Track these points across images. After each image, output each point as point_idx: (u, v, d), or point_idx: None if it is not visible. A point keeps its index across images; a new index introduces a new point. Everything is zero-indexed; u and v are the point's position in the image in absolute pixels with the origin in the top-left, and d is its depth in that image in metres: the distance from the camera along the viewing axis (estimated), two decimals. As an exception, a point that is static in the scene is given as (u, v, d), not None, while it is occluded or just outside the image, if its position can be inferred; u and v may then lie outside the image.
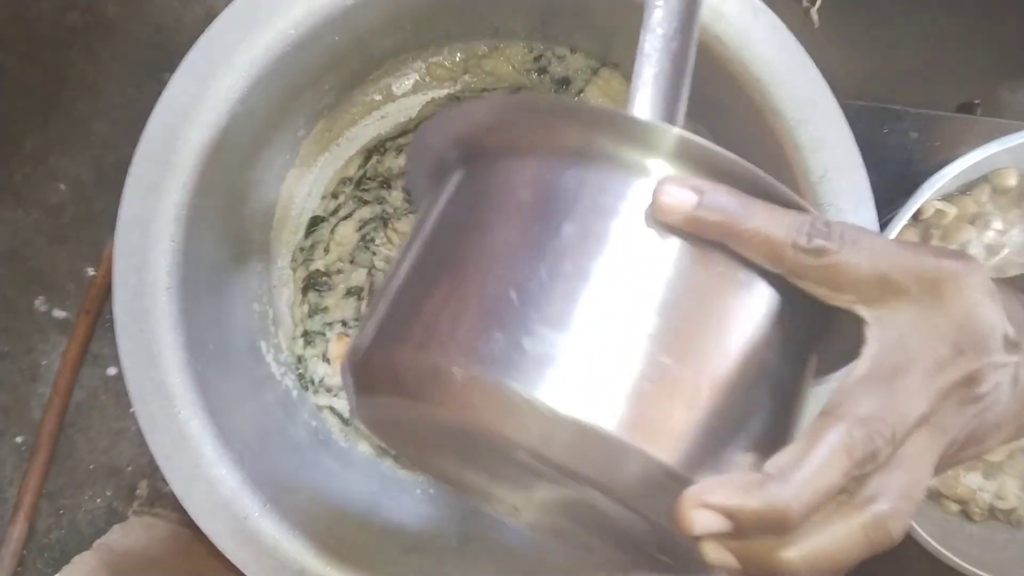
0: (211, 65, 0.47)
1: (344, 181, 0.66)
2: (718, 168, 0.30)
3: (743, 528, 0.28)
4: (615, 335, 0.29)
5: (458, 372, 0.29)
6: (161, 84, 0.47)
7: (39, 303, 0.76)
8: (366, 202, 0.66)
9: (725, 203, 0.30)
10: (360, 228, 0.66)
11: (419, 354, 0.31)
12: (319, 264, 0.65)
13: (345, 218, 0.66)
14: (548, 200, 0.31)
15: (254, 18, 0.47)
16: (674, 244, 0.30)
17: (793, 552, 0.28)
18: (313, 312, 0.65)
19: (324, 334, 0.65)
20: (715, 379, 0.29)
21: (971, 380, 0.30)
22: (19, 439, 0.75)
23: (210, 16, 0.79)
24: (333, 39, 0.51)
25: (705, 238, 0.30)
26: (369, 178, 0.66)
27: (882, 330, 0.30)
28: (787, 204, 0.30)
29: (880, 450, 0.28)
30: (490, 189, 0.33)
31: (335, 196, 0.66)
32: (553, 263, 0.30)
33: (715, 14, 0.49)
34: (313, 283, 0.65)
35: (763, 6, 0.49)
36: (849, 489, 0.29)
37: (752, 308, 0.31)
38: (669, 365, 0.29)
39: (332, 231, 0.66)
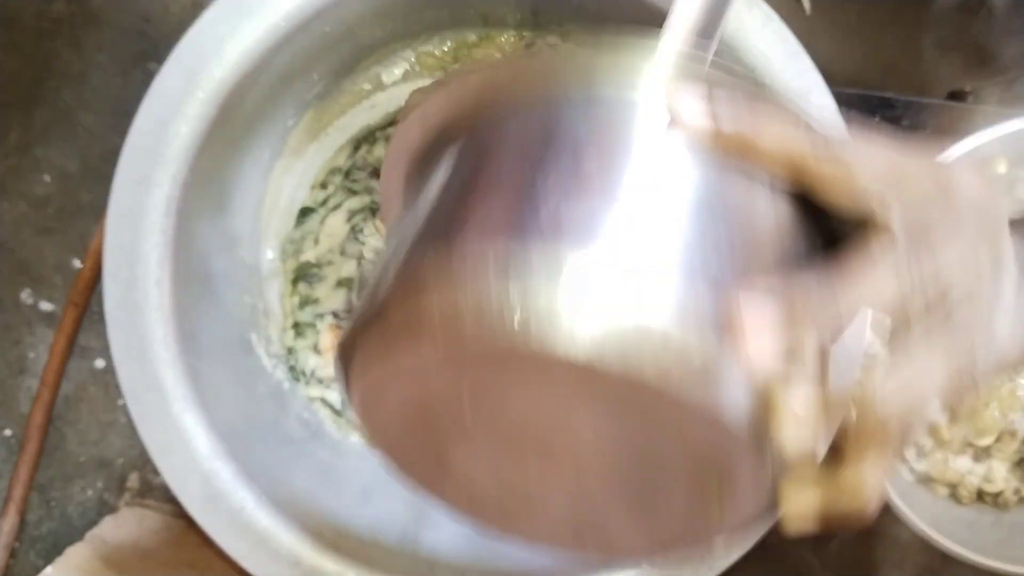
0: (201, 57, 0.47)
1: (333, 171, 0.66)
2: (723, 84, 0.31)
3: None
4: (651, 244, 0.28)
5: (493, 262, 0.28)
6: (147, 74, 0.47)
7: (25, 296, 0.75)
8: (355, 192, 0.66)
9: (742, 118, 0.30)
10: (350, 219, 0.66)
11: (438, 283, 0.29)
12: (309, 255, 0.65)
13: (334, 209, 0.66)
14: (560, 140, 0.31)
15: (245, 9, 0.47)
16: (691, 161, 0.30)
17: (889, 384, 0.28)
18: (303, 303, 0.65)
19: (315, 325, 0.65)
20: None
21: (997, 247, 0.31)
22: (7, 432, 0.74)
23: (197, 6, 0.78)
24: (324, 29, 0.51)
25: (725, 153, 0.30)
26: (358, 168, 0.66)
27: (904, 211, 0.30)
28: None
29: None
30: (495, 148, 0.32)
31: (324, 186, 0.66)
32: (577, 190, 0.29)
33: (708, 4, 0.49)
34: (303, 274, 0.65)
35: (757, -2, 0.49)
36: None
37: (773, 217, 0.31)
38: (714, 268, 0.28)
39: (322, 222, 0.65)
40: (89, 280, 0.75)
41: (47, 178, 0.76)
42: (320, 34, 0.51)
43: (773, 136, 0.30)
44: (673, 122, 0.30)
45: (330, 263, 0.65)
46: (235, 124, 0.52)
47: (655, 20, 0.51)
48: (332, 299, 0.65)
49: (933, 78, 0.80)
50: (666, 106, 0.30)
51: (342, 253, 0.66)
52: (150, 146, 0.47)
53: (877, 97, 0.70)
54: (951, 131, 0.71)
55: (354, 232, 0.66)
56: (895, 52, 0.79)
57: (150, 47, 0.78)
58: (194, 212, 0.50)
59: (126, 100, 0.80)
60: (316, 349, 0.65)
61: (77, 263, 0.75)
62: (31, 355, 0.75)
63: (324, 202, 0.66)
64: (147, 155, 0.47)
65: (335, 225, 0.66)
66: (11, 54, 0.77)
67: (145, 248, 0.47)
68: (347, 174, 0.66)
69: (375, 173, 0.66)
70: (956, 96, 0.73)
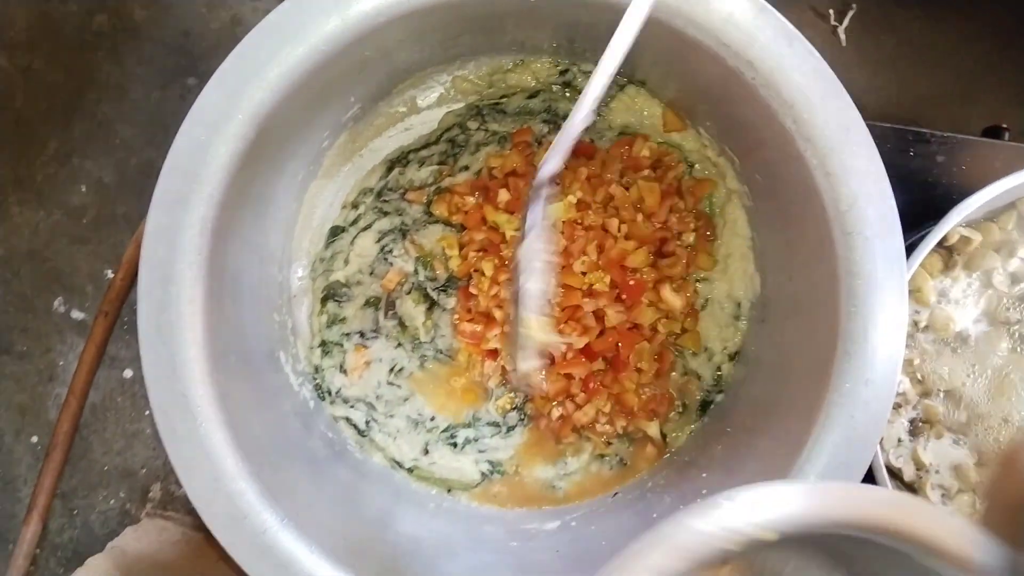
0: (242, 79, 0.47)
1: (365, 192, 0.66)
2: None
3: None
4: None
5: None
6: (185, 88, 0.48)
7: (58, 304, 0.76)
8: (386, 213, 0.66)
9: None
10: (379, 239, 0.66)
11: None
12: (339, 275, 0.65)
13: (365, 229, 0.66)
14: None
15: (287, 33, 0.47)
16: None
17: None
18: (331, 322, 0.65)
19: (342, 344, 0.65)
20: None
21: None
22: (34, 439, 0.75)
23: (236, 22, 0.79)
24: (363, 54, 0.51)
25: None
26: (390, 189, 0.66)
27: None
28: None
29: None
30: None
31: (355, 206, 0.66)
32: None
33: (748, 39, 0.49)
34: (332, 293, 0.65)
35: (797, 33, 0.49)
36: None
37: None
38: None
39: (352, 242, 0.66)
40: (121, 290, 0.75)
41: (83, 188, 0.77)
42: (359, 59, 0.52)
43: None
44: None
45: (359, 283, 0.66)
46: (272, 145, 0.52)
47: (687, 50, 0.51)
48: (360, 319, 0.65)
49: (969, 113, 0.79)
50: None
51: (371, 274, 0.66)
52: (188, 166, 0.47)
53: (912, 131, 0.70)
54: (987, 168, 0.70)
55: (383, 253, 0.66)
56: (930, 86, 0.79)
57: (189, 62, 0.79)
58: (229, 231, 0.50)
59: (164, 114, 0.81)
60: (342, 368, 0.65)
61: (109, 273, 0.76)
62: (61, 363, 0.76)
63: (355, 222, 0.66)
64: (185, 175, 0.47)
65: (364, 245, 0.66)
66: (53, 65, 0.79)
67: (179, 268, 0.47)
68: (379, 195, 0.66)
69: (406, 194, 0.66)
70: (992, 132, 0.72)
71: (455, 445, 0.65)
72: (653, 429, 0.64)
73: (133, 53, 0.78)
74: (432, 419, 0.65)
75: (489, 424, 0.65)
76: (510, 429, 0.65)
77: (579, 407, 0.63)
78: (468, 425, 0.65)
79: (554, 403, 0.64)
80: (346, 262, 0.66)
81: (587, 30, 0.58)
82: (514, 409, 0.66)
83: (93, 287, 0.76)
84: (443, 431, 0.65)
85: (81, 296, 0.76)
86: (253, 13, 0.79)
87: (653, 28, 0.51)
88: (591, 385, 0.63)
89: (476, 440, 0.65)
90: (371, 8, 0.48)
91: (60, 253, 0.77)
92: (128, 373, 0.75)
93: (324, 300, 0.65)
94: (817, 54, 0.49)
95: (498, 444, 0.65)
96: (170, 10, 0.78)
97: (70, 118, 0.78)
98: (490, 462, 0.65)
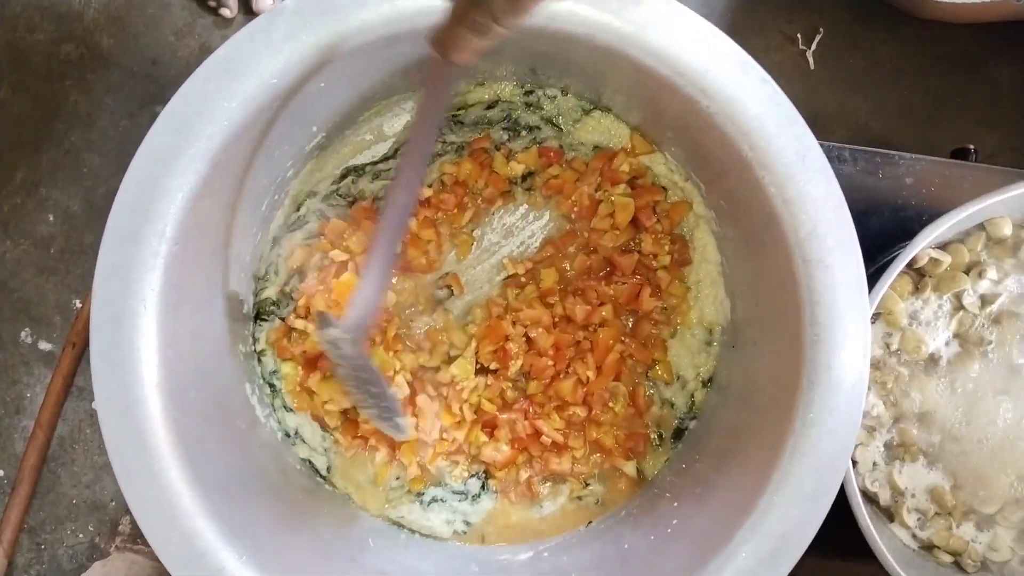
0: (192, 113, 0.47)
1: (311, 194, 0.65)
2: None
3: None
4: None
5: None
6: (154, 116, 0.47)
7: (25, 335, 0.75)
8: (327, 218, 0.64)
9: None
10: (308, 239, 0.64)
11: None
12: (270, 291, 0.64)
13: (296, 230, 0.64)
14: None
15: (235, 68, 0.47)
16: None
17: None
18: (262, 356, 0.64)
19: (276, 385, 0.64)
20: None
21: None
22: (0, 473, 0.74)
23: (205, 50, 0.79)
24: (319, 86, 0.51)
25: None
26: (340, 195, 0.65)
27: None
28: None
29: None
30: None
31: (298, 208, 0.64)
32: None
33: (703, 67, 0.49)
34: (259, 313, 0.64)
35: (752, 63, 0.48)
36: None
37: None
38: None
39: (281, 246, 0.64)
40: (88, 321, 0.74)
41: (51, 218, 0.77)
42: (316, 91, 0.51)
43: None
44: None
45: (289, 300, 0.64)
46: (228, 177, 0.52)
47: (645, 78, 0.51)
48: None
49: (937, 135, 0.79)
50: None
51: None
52: (139, 202, 0.47)
53: (881, 153, 0.70)
54: (956, 190, 0.70)
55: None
56: (899, 108, 0.79)
57: (157, 90, 0.79)
58: (184, 266, 0.50)
59: (132, 142, 0.78)
60: (287, 408, 0.63)
61: (77, 303, 0.75)
62: (28, 395, 0.75)
63: (294, 224, 0.64)
64: (134, 211, 0.47)
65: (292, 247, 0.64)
66: (20, 95, 0.78)
67: (131, 304, 0.47)
68: (326, 197, 0.65)
69: (353, 203, 0.64)
70: (960, 154, 0.72)
71: (422, 503, 0.63)
72: (630, 468, 0.63)
73: (101, 81, 0.78)
74: (397, 478, 0.63)
75: (454, 492, 0.63)
76: (475, 497, 0.63)
77: (545, 466, 0.63)
78: (436, 484, 0.63)
79: (520, 466, 0.63)
80: (276, 273, 0.64)
81: (547, 61, 0.58)
82: (473, 477, 0.64)
83: (61, 317, 0.76)
84: (407, 490, 0.63)
85: (49, 327, 0.75)
86: (221, 41, 0.78)
87: (611, 57, 0.51)
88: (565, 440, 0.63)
89: (444, 501, 0.63)
90: (323, 41, 0.48)
91: (27, 283, 0.76)
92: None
93: (258, 319, 0.63)
94: (772, 82, 0.49)
95: (467, 509, 0.63)
96: (138, 39, 0.78)
97: (38, 147, 0.77)
98: (465, 522, 0.63)
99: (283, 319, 0.63)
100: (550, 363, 0.61)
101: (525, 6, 0.37)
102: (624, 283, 0.63)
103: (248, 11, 0.77)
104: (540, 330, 0.62)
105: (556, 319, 0.63)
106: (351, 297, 0.52)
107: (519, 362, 0.62)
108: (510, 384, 0.63)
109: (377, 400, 0.55)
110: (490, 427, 0.62)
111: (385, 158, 0.65)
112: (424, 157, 0.50)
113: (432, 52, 0.43)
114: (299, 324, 0.62)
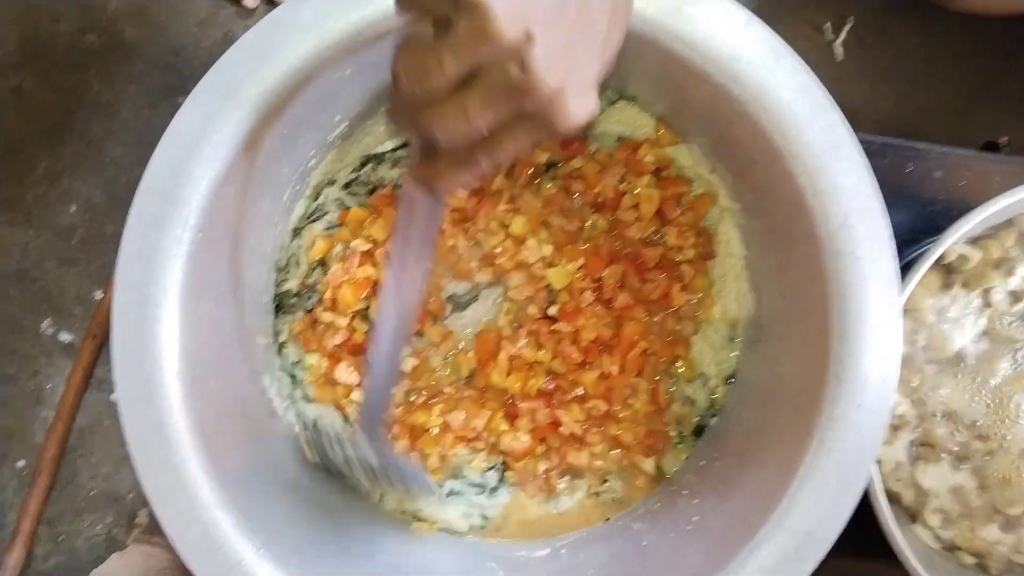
0: (218, 98, 0.47)
1: (330, 181, 0.64)
2: None
3: None
4: None
5: None
6: (176, 107, 0.47)
7: (46, 325, 0.75)
8: (347, 207, 0.64)
9: None
10: (328, 229, 0.64)
11: None
12: (291, 283, 0.63)
13: (315, 220, 0.64)
14: None
15: (264, 52, 0.47)
16: None
17: None
18: (283, 346, 0.63)
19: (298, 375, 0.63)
20: None
21: None
22: (20, 463, 0.74)
23: (227, 40, 0.79)
24: (344, 73, 0.51)
25: None
26: (361, 183, 0.64)
27: None
28: None
29: None
30: None
31: (316, 196, 0.64)
32: None
33: (734, 54, 0.48)
34: (280, 305, 0.63)
35: (785, 49, 0.48)
36: None
37: None
38: None
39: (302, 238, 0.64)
40: (109, 312, 0.74)
41: (73, 208, 0.77)
42: (340, 77, 0.51)
43: None
44: None
45: (312, 292, 0.64)
46: (254, 165, 0.51)
47: (673, 66, 0.50)
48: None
49: (968, 127, 0.78)
50: None
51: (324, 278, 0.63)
52: (164, 187, 0.46)
53: (910, 147, 0.69)
54: (986, 183, 0.69)
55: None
56: (928, 100, 0.78)
57: (179, 81, 0.78)
58: (207, 253, 0.50)
59: (154, 133, 0.79)
60: (308, 399, 0.63)
61: (98, 294, 0.75)
62: (48, 386, 0.75)
63: (312, 215, 0.64)
64: (161, 196, 0.46)
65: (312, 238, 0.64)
66: (42, 85, 0.78)
67: (154, 291, 0.46)
68: (346, 185, 0.64)
69: (374, 191, 0.64)
70: (991, 147, 0.71)
71: (440, 495, 0.62)
72: (649, 465, 0.62)
73: (123, 72, 0.78)
74: None
75: (472, 485, 0.63)
76: (493, 490, 0.63)
77: (563, 459, 0.62)
78: (453, 476, 0.63)
79: (539, 458, 0.62)
80: (297, 264, 0.63)
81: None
82: (491, 469, 0.63)
83: (82, 308, 0.76)
84: None
85: (69, 318, 0.75)
86: (244, 31, 0.78)
87: (639, 44, 0.50)
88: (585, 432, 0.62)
89: (461, 494, 0.62)
90: (349, 27, 0.47)
91: (49, 274, 0.76)
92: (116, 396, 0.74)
93: (278, 311, 0.63)
94: (807, 69, 0.48)
95: (485, 503, 0.62)
96: (161, 29, 0.78)
97: (60, 138, 0.77)
98: (483, 516, 0.63)
99: (308, 311, 0.63)
100: (580, 351, 0.61)
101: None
102: (653, 280, 0.62)
103: (270, 0, 0.77)
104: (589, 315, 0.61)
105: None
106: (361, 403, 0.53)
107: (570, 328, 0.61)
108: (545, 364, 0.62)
109: (403, 482, 0.55)
110: (511, 416, 0.61)
111: (404, 144, 0.64)
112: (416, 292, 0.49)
113: (413, 189, 0.43)
114: (327, 317, 0.61)
